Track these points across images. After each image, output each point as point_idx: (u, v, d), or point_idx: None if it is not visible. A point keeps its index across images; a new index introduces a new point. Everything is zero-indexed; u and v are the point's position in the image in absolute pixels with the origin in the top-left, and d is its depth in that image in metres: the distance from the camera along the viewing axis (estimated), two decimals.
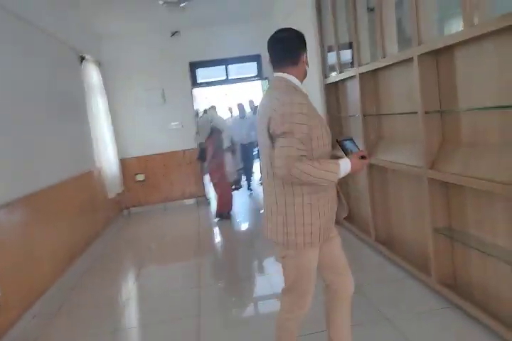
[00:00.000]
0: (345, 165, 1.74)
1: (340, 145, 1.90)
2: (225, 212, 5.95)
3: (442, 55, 2.65)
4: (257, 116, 1.95)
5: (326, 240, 1.92)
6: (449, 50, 2.57)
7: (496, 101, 2.24)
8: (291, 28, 1.97)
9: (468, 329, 2.43)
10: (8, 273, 3.03)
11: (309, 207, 1.80)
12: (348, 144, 1.88)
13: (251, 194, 7.49)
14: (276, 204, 1.84)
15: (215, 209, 6.02)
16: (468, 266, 2.69)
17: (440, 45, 2.50)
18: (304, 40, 1.95)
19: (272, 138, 1.76)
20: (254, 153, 8.07)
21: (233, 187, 6.66)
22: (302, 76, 1.95)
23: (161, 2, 4.42)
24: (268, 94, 1.89)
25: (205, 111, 6.14)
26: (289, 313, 1.96)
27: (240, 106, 7.83)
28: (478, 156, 2.37)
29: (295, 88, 1.85)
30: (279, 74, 1.90)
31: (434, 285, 2.87)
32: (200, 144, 5.97)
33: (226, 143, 5.92)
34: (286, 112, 1.69)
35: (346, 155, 1.84)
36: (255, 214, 6.22)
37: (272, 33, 1.97)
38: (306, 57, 1.95)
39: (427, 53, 2.67)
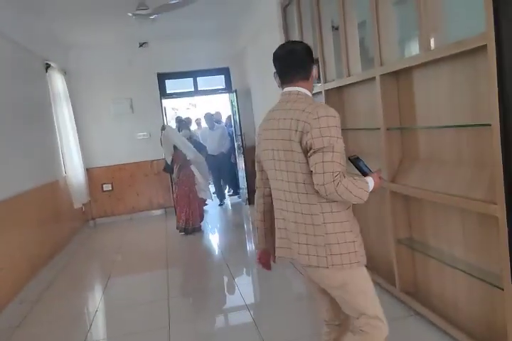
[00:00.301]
0: (371, 184, 1.71)
1: (353, 163, 1.84)
2: (193, 226, 5.68)
3: (402, 75, 2.82)
4: (265, 130, 1.83)
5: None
6: (408, 71, 2.74)
7: (450, 121, 2.41)
8: (301, 41, 1.93)
9: (429, 337, 2.55)
10: None
11: (348, 225, 1.70)
12: (361, 163, 1.84)
13: (221, 204, 7.51)
14: (313, 225, 1.69)
15: (180, 223, 5.68)
16: (428, 275, 2.84)
17: (400, 66, 2.67)
18: (312, 54, 1.87)
19: (305, 152, 1.64)
20: (227, 164, 7.78)
21: (205, 200, 6.40)
22: (311, 91, 1.86)
23: (130, 14, 4.45)
24: (284, 107, 1.76)
25: (163, 128, 5.81)
26: None
27: (208, 117, 7.57)
28: (435, 171, 2.53)
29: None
30: (292, 88, 1.80)
31: (398, 293, 2.99)
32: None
33: (189, 156, 5.68)
34: (324, 126, 1.61)
35: (362, 173, 1.81)
36: (226, 226, 6.28)
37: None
38: (318, 71, 1.88)
39: (388, 74, 2.83)
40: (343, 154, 1.64)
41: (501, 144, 1.90)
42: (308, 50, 1.84)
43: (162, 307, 3.42)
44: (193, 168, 5.80)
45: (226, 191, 8.13)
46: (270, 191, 1.90)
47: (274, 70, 1.90)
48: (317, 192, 1.63)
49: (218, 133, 7.48)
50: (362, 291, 1.77)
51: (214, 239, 5.69)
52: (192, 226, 5.66)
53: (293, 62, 1.82)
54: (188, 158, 5.68)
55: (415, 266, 2.97)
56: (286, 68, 1.84)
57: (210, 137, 7.50)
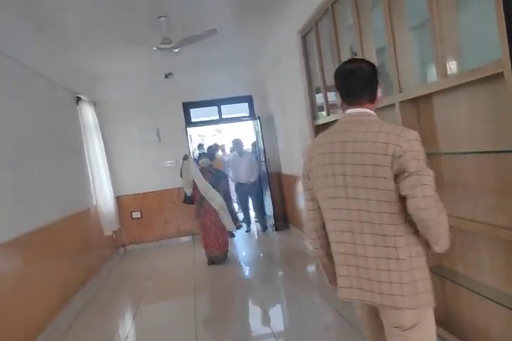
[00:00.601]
0: None
1: None
2: (219, 256, 5.57)
3: (422, 101, 2.83)
4: (320, 155, 1.67)
5: None
6: (428, 97, 2.75)
7: (471, 147, 2.40)
8: (365, 60, 1.80)
9: None
10: (2, 315, 3.05)
11: (424, 259, 1.59)
12: None
13: (248, 231, 7.52)
14: (398, 260, 1.52)
15: (208, 252, 5.57)
16: (458, 303, 2.76)
17: (418, 93, 2.70)
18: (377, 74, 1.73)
19: (394, 178, 1.51)
20: (256, 192, 7.48)
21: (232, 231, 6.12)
22: None
23: (154, 48, 4.64)
24: (357, 129, 1.60)
25: (185, 158, 5.57)
26: None
27: (237, 143, 7.41)
28: (459, 197, 2.51)
29: None
30: (361, 109, 1.66)
31: None
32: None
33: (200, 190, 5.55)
34: (416, 149, 1.50)
35: None
36: (254, 254, 6.27)
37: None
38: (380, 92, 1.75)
39: (407, 100, 2.86)
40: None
41: None
42: (374, 69, 1.70)
43: (189, 335, 3.44)
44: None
45: (253, 217, 7.94)
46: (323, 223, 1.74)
47: (336, 89, 1.78)
48: (404, 222, 1.51)
49: (247, 160, 7.29)
50: (429, 334, 1.62)
51: (241, 266, 5.68)
52: (219, 256, 5.56)
53: (359, 81, 1.66)
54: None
55: (446, 294, 2.89)
56: (351, 89, 1.68)
57: (239, 164, 7.32)
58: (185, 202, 5.76)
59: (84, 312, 4.32)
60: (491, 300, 2.34)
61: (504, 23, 1.88)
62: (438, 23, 2.41)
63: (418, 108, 2.88)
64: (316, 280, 4.32)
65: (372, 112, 1.68)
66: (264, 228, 7.30)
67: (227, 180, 6.23)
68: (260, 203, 7.48)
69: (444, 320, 2.87)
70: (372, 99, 1.69)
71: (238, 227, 6.68)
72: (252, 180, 7.28)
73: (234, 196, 7.99)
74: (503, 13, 1.89)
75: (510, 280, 2.23)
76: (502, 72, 1.94)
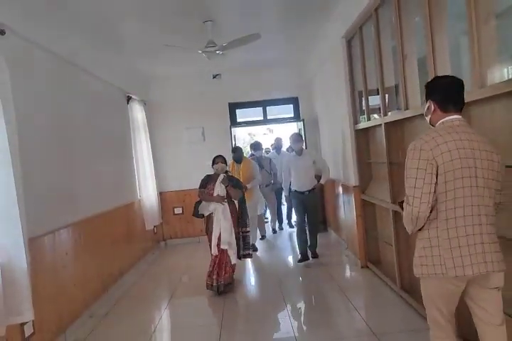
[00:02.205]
0: None
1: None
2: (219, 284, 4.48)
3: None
4: (457, 149, 1.93)
5: None
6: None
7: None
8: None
9: None
10: (45, 298, 3.27)
11: None
12: None
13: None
14: (494, 234, 1.98)
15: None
16: None
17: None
18: None
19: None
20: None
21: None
22: None
23: (199, 51, 4.78)
24: (470, 131, 2.02)
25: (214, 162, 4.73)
26: None
27: (295, 138, 5.61)
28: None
29: None
30: (460, 117, 2.05)
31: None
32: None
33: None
34: None
35: None
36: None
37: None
38: None
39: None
40: None
41: None
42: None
43: (214, 332, 3.55)
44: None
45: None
46: None
47: (431, 96, 2.10)
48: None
49: (307, 160, 5.44)
50: None
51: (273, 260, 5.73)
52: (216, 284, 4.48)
53: (462, 94, 2.07)
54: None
55: None
56: (456, 98, 2.06)
57: (299, 166, 5.45)
58: (195, 215, 4.75)
59: (121, 301, 4.54)
60: None
61: None
62: (476, 34, 2.36)
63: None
64: None
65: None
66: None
67: (243, 190, 4.89)
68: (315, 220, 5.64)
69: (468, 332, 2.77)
70: (462, 108, 2.10)
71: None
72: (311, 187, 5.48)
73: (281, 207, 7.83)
74: None
75: None
76: None
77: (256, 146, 7.19)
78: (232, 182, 4.62)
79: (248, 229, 4.84)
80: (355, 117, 4.92)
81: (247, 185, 5.71)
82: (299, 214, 5.57)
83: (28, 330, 2.97)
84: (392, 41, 3.86)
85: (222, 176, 4.60)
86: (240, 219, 4.77)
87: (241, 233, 4.78)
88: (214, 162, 4.67)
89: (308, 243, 5.52)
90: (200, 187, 4.69)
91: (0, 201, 2.71)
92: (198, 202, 4.71)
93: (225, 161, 4.67)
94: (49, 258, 3.46)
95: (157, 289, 5.05)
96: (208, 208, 4.60)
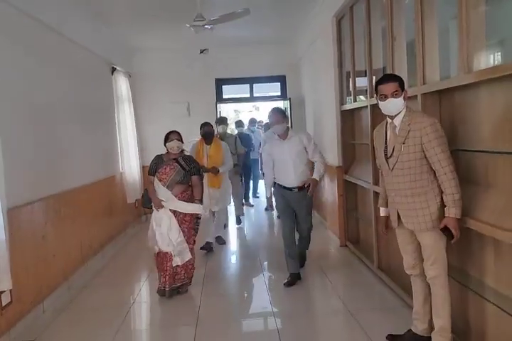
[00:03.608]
0: None
1: None
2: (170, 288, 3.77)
3: (444, 94, 2.78)
4: None
5: None
6: (449, 91, 2.70)
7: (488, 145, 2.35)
8: None
9: None
10: (23, 268, 3.27)
11: None
12: None
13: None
14: None
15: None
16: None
17: (440, 87, 2.66)
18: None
19: None
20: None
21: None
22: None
23: (187, 25, 4.68)
24: None
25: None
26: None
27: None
28: (471, 195, 2.46)
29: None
30: None
31: None
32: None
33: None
34: None
35: None
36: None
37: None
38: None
39: (430, 92, 2.81)
40: None
41: None
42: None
43: (195, 304, 3.62)
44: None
45: None
46: None
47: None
48: None
49: (295, 145, 3.93)
50: None
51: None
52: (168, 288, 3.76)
53: None
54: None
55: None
56: None
57: (280, 154, 3.97)
58: (145, 204, 3.98)
59: (101, 273, 4.56)
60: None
61: None
62: (465, 18, 2.35)
63: (440, 100, 2.83)
64: None
65: None
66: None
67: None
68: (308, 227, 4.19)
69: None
70: None
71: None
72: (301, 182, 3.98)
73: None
74: None
75: None
76: None
77: (238, 124, 7.29)
78: (189, 166, 3.76)
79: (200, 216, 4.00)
80: (341, 98, 4.92)
81: (220, 168, 4.97)
82: (286, 221, 3.99)
83: (5, 299, 2.98)
84: (382, 23, 3.84)
85: (176, 166, 3.71)
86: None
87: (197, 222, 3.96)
88: (167, 138, 3.79)
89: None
90: (149, 173, 3.86)
91: None
92: (146, 190, 3.94)
93: (180, 138, 3.82)
94: (28, 229, 3.44)
95: (137, 262, 5.06)
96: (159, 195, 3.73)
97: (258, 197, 8.63)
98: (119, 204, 6.03)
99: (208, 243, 5.16)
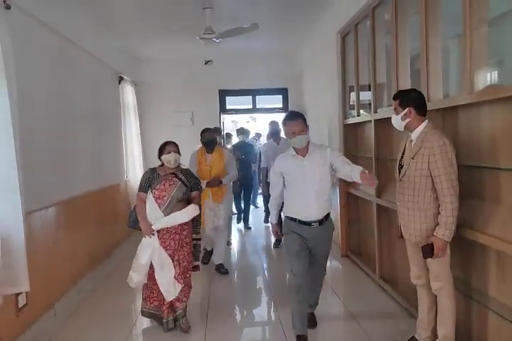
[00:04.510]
0: None
1: None
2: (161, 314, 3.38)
3: (448, 112, 2.92)
4: None
5: None
6: (453, 108, 2.84)
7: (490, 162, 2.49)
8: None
9: None
10: (37, 271, 3.33)
11: None
12: None
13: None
14: None
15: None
16: (471, 319, 2.77)
17: (443, 105, 2.81)
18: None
19: None
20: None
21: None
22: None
23: (197, 38, 4.84)
24: None
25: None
26: None
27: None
28: (472, 209, 2.58)
29: None
30: None
31: None
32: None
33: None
34: None
35: None
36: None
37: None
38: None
39: (435, 110, 2.94)
40: None
41: None
42: None
43: (203, 309, 3.70)
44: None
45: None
46: None
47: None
48: None
49: (317, 163, 3.85)
50: None
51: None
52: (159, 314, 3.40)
53: None
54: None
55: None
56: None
57: (299, 176, 3.90)
58: (131, 225, 3.51)
59: (107, 279, 4.63)
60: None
61: None
62: (469, 39, 2.50)
63: (444, 118, 2.97)
64: None
65: None
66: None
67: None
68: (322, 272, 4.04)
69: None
70: None
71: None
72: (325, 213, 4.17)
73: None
74: None
75: None
76: None
77: (240, 131, 7.02)
78: (190, 182, 3.33)
79: (200, 236, 3.59)
80: (344, 112, 5.06)
81: (223, 180, 4.55)
82: (299, 267, 2.96)
83: (21, 301, 3.07)
84: (386, 39, 4.01)
85: (177, 183, 3.25)
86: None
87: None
88: (163, 150, 3.33)
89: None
90: (140, 189, 3.33)
91: (1, 177, 2.77)
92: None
93: (178, 150, 3.36)
94: (41, 233, 3.54)
95: None
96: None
97: (258, 207, 8.50)
98: (124, 211, 6.11)
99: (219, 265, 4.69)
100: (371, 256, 4.40)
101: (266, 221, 6.88)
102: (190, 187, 3.32)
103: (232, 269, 4.95)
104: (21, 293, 3.01)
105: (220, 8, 4.75)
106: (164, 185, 3.22)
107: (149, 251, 3.23)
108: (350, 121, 4.85)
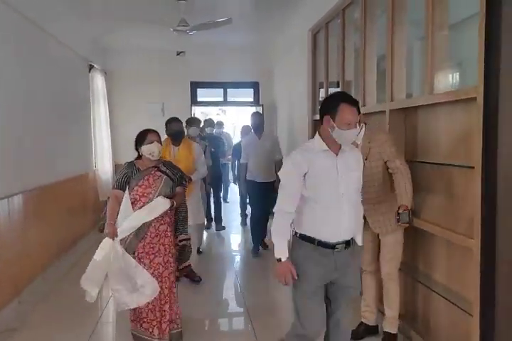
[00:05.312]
0: None
1: None
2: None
3: (409, 111, 3.08)
4: None
5: None
6: (413, 108, 3.00)
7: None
8: None
9: None
10: (2, 259, 3.35)
11: None
12: None
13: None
14: None
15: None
16: (416, 299, 3.04)
17: (406, 104, 2.96)
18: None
19: None
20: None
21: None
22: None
23: (171, 29, 4.85)
24: None
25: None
26: None
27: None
28: (430, 203, 2.77)
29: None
30: None
31: None
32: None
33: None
34: None
35: None
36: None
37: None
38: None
39: (397, 109, 3.10)
40: None
41: (481, 187, 2.12)
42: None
43: None
44: None
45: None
46: None
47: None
48: None
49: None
50: None
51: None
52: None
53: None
54: None
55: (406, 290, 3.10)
56: None
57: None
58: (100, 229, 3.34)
59: (74, 268, 4.61)
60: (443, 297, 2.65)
61: (483, 53, 2.12)
62: (431, 42, 2.65)
63: (405, 117, 3.13)
64: None
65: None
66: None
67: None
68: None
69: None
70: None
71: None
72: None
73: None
74: (483, 45, 2.13)
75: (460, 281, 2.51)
76: (475, 98, 2.17)
77: (208, 123, 6.47)
78: (175, 175, 2.94)
79: (188, 236, 3.19)
80: (314, 107, 5.19)
81: (192, 176, 4.09)
82: (316, 310, 2.22)
83: None
84: (355, 38, 4.14)
85: (162, 178, 2.86)
86: (177, 224, 3.09)
87: (178, 243, 3.08)
88: (143, 140, 2.88)
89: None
90: (115, 186, 2.88)
91: None
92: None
93: (160, 140, 2.95)
94: (8, 220, 3.52)
95: None
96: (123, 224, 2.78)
97: (228, 202, 8.17)
98: (92, 201, 6.09)
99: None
100: None
101: (243, 223, 6.45)
102: (176, 181, 2.92)
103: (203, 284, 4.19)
104: None
105: (194, 0, 4.77)
106: (148, 180, 2.80)
107: (110, 254, 2.76)
108: (319, 116, 4.96)
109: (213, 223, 6.30)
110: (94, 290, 2.84)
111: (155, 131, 2.97)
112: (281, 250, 2.15)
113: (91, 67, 6.18)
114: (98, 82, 6.47)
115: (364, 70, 3.71)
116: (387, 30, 3.19)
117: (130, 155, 6.97)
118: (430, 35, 2.66)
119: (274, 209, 2.19)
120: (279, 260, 2.15)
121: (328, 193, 2.14)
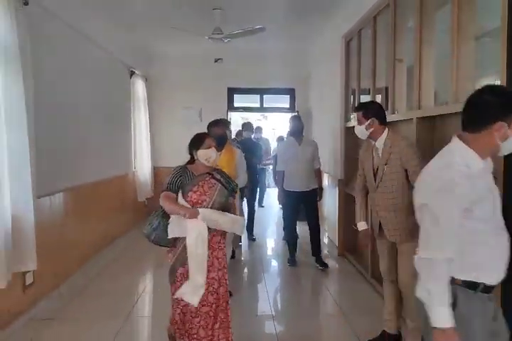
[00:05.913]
0: None
1: None
2: None
3: (437, 120, 3.07)
4: None
5: None
6: (442, 116, 2.99)
7: None
8: None
9: None
10: (45, 252, 3.54)
11: None
12: None
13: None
14: None
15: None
16: None
17: (433, 113, 2.97)
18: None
19: None
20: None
21: None
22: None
23: (206, 37, 5.03)
24: None
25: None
26: None
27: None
28: None
29: None
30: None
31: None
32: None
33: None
34: None
35: None
36: None
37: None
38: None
39: (423, 117, 3.10)
40: None
41: (503, 198, 2.04)
42: None
43: None
44: None
45: None
46: None
47: None
48: None
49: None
50: None
51: None
52: None
53: None
54: None
55: None
56: None
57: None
58: (155, 240, 2.78)
59: (112, 264, 4.87)
60: None
61: (505, 63, 2.14)
62: (456, 53, 2.66)
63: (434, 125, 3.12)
64: None
65: None
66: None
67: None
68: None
69: None
70: None
71: None
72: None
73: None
74: (505, 54, 2.14)
75: None
76: None
77: (245, 127, 6.35)
78: (229, 184, 2.73)
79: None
80: (346, 115, 5.22)
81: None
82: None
83: (29, 279, 3.31)
84: (386, 46, 4.16)
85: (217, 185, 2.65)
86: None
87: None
88: (200, 144, 2.67)
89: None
90: (167, 188, 2.65)
91: (15, 162, 2.98)
92: (162, 216, 2.67)
93: (216, 145, 2.77)
94: (50, 216, 3.78)
95: (146, 257, 5.23)
96: (180, 226, 2.53)
97: (263, 206, 8.47)
98: (131, 201, 6.36)
99: None
100: (365, 255, 4.53)
101: (284, 237, 5.71)
102: (230, 190, 2.72)
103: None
104: (29, 271, 3.24)
105: (229, 9, 4.94)
106: (203, 187, 2.61)
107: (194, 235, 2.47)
108: (352, 124, 5.00)
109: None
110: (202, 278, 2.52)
111: (213, 136, 2.92)
112: (445, 317, 1.51)
113: (132, 72, 6.47)
114: (139, 87, 6.76)
115: (394, 78, 3.73)
116: (414, 38, 3.21)
117: (168, 160, 7.39)
118: (455, 46, 2.67)
119: (420, 258, 1.59)
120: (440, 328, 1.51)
121: (493, 225, 1.61)
